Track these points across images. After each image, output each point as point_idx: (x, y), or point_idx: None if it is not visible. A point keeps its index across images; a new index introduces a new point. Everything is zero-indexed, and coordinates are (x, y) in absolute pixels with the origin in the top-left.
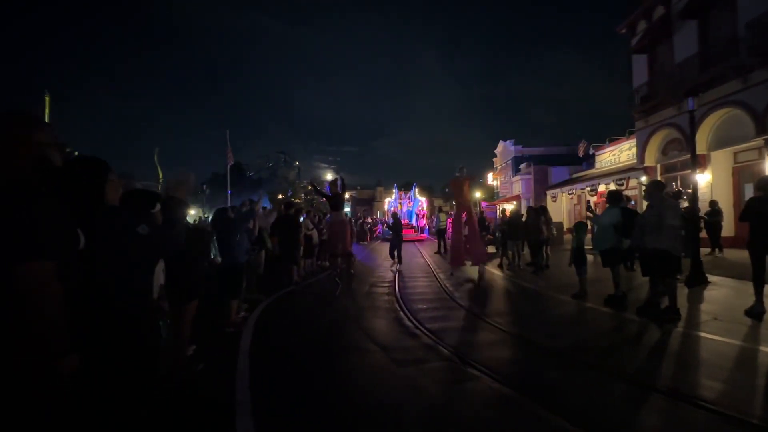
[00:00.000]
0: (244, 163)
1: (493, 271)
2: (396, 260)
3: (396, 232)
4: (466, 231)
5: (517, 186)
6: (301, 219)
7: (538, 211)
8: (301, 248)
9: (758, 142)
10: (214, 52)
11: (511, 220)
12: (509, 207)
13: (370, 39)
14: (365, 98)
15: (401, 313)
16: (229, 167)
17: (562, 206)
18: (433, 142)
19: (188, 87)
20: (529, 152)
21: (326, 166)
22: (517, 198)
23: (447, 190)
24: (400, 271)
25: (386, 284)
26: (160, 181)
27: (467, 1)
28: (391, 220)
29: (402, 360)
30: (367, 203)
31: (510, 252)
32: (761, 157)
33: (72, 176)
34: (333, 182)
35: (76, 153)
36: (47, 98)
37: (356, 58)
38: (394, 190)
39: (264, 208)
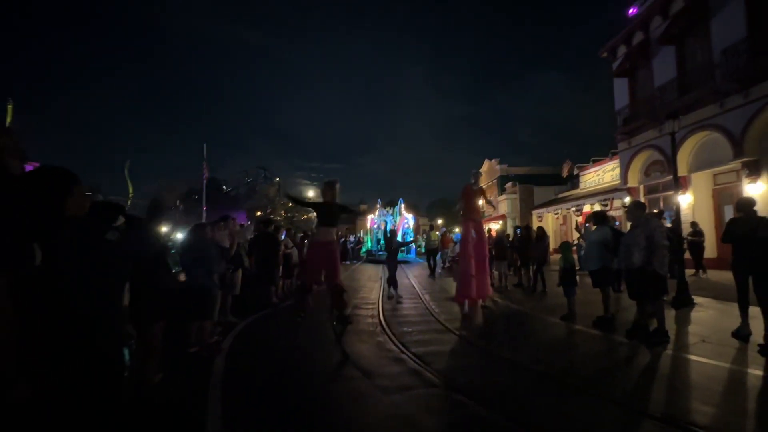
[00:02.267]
0: (222, 179)
1: None
2: (393, 288)
3: (392, 252)
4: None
5: (503, 205)
6: (282, 237)
7: (542, 233)
8: (280, 268)
9: (736, 164)
10: (194, 64)
11: (498, 241)
12: (495, 226)
13: (356, 55)
14: (350, 114)
15: (386, 337)
16: (205, 182)
17: (548, 226)
18: (419, 159)
19: (165, 99)
20: (515, 171)
21: (308, 182)
22: (503, 217)
23: (457, 206)
24: (384, 293)
25: (370, 306)
26: (130, 195)
27: (454, 20)
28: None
29: (387, 387)
30: (350, 221)
31: (497, 273)
32: (739, 179)
33: (30, 186)
34: (328, 185)
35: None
36: (10, 106)
37: (341, 73)
38: (377, 206)
39: (241, 225)
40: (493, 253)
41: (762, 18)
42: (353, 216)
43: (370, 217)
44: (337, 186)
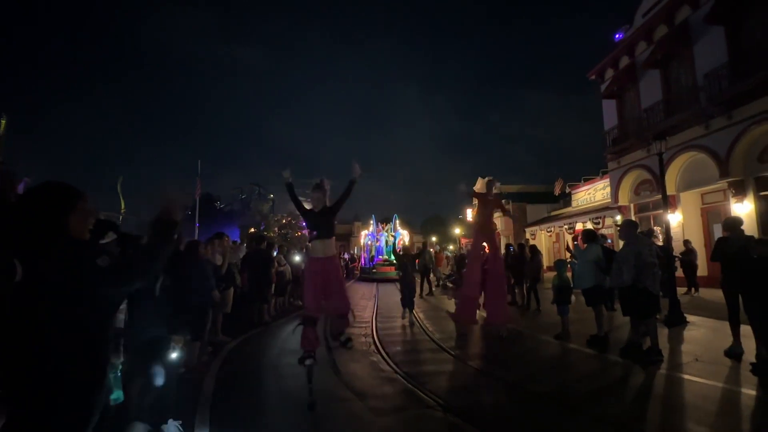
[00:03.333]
0: (215, 195)
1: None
2: (407, 309)
3: (407, 272)
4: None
5: (497, 223)
6: (274, 254)
7: (531, 248)
8: (273, 285)
9: (722, 184)
10: (190, 81)
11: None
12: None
13: (352, 74)
14: (345, 132)
15: (379, 356)
16: (197, 198)
17: (541, 244)
18: (412, 177)
19: (160, 116)
20: (508, 189)
21: (303, 198)
22: (497, 235)
23: (467, 214)
24: (377, 312)
25: (363, 325)
26: (122, 211)
27: (448, 42)
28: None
29: (380, 408)
30: (344, 238)
31: None
32: (726, 198)
33: (28, 200)
34: (315, 188)
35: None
36: (3, 122)
37: (337, 91)
38: (371, 221)
39: (234, 242)
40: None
41: (741, 44)
42: (347, 195)
43: (363, 233)
44: (327, 186)
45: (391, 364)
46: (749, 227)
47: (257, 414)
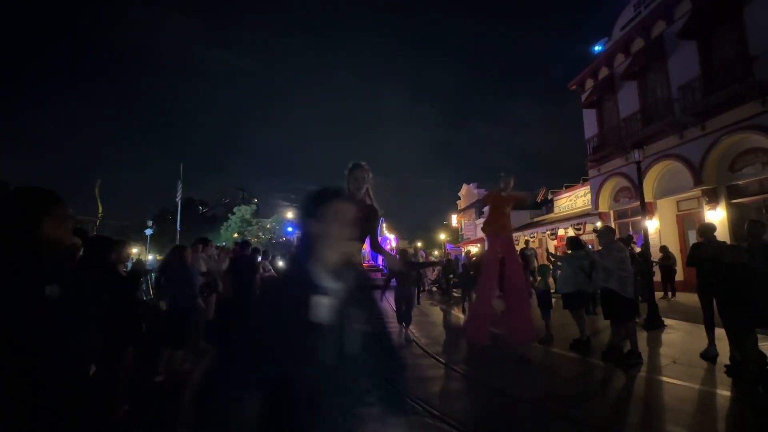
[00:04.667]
0: (198, 199)
1: (459, 315)
2: (403, 325)
3: (404, 281)
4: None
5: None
6: (258, 259)
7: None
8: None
9: (696, 192)
10: (173, 84)
11: (478, 263)
12: (474, 249)
13: (337, 79)
14: (331, 137)
15: None
16: (179, 202)
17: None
18: (398, 183)
19: (142, 118)
20: None
21: (287, 204)
22: (481, 240)
23: (482, 211)
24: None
25: None
26: (100, 215)
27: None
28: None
29: (366, 414)
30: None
31: (476, 295)
32: (700, 205)
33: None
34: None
35: None
36: None
37: (322, 96)
38: None
39: (219, 246)
40: (472, 275)
41: (712, 59)
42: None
43: None
44: (368, 175)
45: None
46: (721, 234)
47: (241, 424)
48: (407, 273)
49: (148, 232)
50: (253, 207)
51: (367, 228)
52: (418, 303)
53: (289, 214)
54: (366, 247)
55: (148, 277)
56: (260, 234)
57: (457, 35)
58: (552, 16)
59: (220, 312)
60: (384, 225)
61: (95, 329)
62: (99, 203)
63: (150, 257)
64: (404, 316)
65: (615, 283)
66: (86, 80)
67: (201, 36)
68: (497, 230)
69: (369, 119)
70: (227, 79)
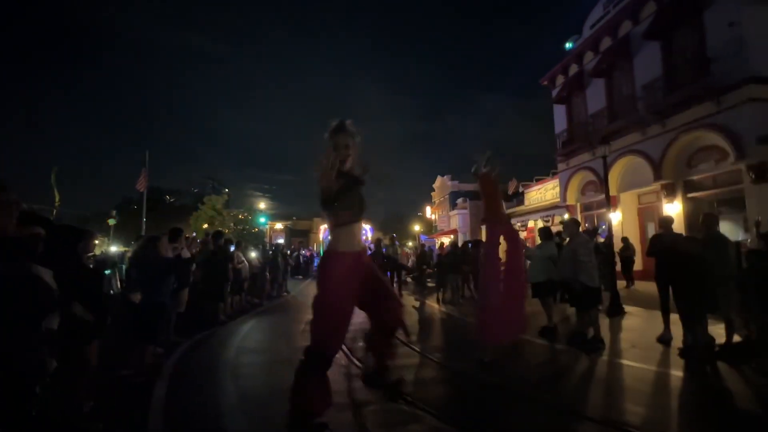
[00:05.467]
0: (165, 188)
1: (433, 305)
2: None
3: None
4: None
5: (455, 220)
6: (231, 250)
7: (477, 244)
8: (229, 283)
9: (656, 186)
10: (139, 67)
11: (451, 254)
12: (447, 240)
13: (312, 68)
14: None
15: (341, 353)
16: (145, 192)
17: None
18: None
19: (104, 102)
20: (465, 188)
21: (260, 194)
22: (454, 232)
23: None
24: None
25: None
26: (56, 204)
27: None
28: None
29: (342, 404)
30: (303, 235)
31: (450, 285)
32: (659, 199)
33: None
34: (342, 129)
35: None
36: None
37: (297, 85)
38: None
39: (187, 238)
40: (447, 266)
41: (674, 59)
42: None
43: (323, 227)
44: (355, 131)
45: (353, 359)
46: (678, 226)
47: (215, 416)
48: (379, 261)
49: (112, 222)
50: (225, 197)
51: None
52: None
53: (262, 205)
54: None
55: (117, 269)
56: (232, 224)
57: (433, 29)
58: (527, 12)
59: (192, 304)
60: None
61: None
62: (55, 191)
63: (113, 249)
64: None
65: (580, 273)
66: (42, 61)
67: (172, 18)
68: (497, 215)
69: (344, 110)
70: (198, 65)
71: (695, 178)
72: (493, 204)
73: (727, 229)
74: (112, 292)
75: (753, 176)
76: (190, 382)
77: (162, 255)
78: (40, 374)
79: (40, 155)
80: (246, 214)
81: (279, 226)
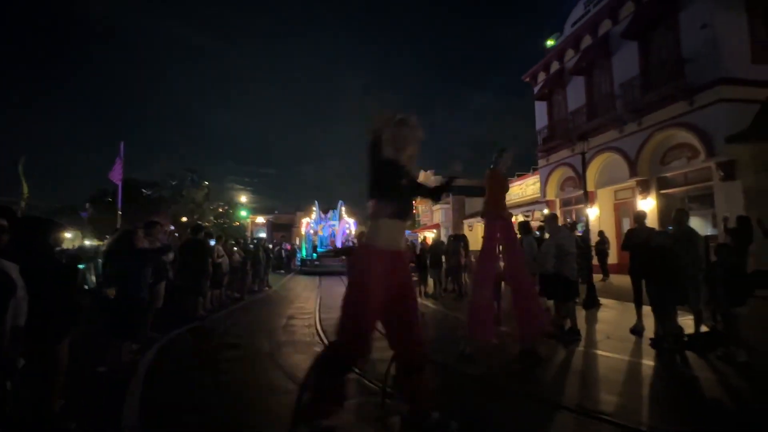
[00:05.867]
0: (142, 181)
1: (416, 299)
2: None
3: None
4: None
5: (437, 215)
6: (211, 243)
7: (458, 239)
8: (209, 278)
9: (632, 183)
10: (116, 56)
11: (434, 248)
12: (430, 235)
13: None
14: (288, 120)
15: (323, 346)
16: (121, 183)
17: (478, 235)
18: (358, 168)
19: (78, 91)
20: None
21: (241, 187)
22: (437, 226)
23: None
24: (321, 303)
25: (306, 316)
26: (24, 196)
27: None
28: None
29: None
30: (286, 229)
31: (432, 279)
32: (634, 195)
33: None
34: (404, 123)
35: None
36: None
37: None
38: (314, 209)
39: (167, 231)
40: (429, 260)
41: (650, 59)
42: (439, 192)
43: (305, 221)
44: (418, 126)
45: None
46: (651, 221)
47: (193, 413)
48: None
49: (84, 215)
50: (205, 190)
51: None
52: None
53: (243, 198)
54: (323, 232)
55: (92, 264)
56: (212, 218)
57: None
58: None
59: (170, 299)
60: (343, 209)
61: None
62: (23, 182)
63: (87, 242)
64: None
65: (564, 267)
66: (11, 47)
67: (151, 5)
68: (498, 211)
69: (329, 102)
70: (178, 54)
71: (668, 175)
72: (496, 199)
73: (697, 224)
74: (86, 287)
75: (722, 174)
76: (167, 379)
77: (137, 249)
78: (7, 371)
79: (7, 144)
80: (226, 207)
81: (260, 219)
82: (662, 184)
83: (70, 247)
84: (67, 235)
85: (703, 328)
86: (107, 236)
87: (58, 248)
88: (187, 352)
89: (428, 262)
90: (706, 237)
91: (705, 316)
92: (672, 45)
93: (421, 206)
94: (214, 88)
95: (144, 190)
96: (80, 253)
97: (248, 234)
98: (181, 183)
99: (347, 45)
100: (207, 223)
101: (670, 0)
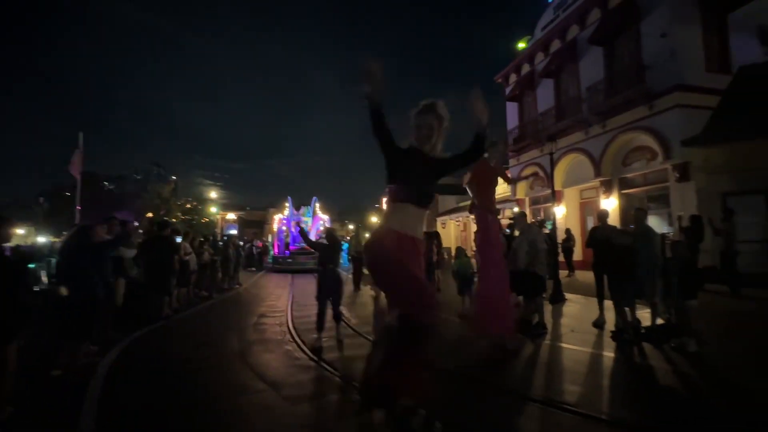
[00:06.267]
0: (103, 174)
1: None
2: (336, 321)
3: (326, 262)
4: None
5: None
6: (178, 240)
7: (431, 236)
8: (175, 276)
9: (596, 182)
10: (75, 40)
11: None
12: None
13: (268, 55)
14: (260, 115)
15: (295, 345)
16: (80, 177)
17: (450, 232)
18: (330, 165)
19: (32, 76)
20: None
21: (211, 183)
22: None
23: (466, 186)
24: (293, 300)
25: (278, 314)
26: None
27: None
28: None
29: (295, 397)
30: (257, 225)
31: None
32: (598, 194)
33: None
34: (428, 109)
35: None
36: None
37: (251, 71)
38: (287, 205)
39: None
40: None
41: (614, 64)
42: (472, 156)
43: (277, 217)
44: (444, 113)
45: (307, 351)
46: (614, 219)
47: (157, 415)
48: (333, 247)
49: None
50: (171, 185)
51: (434, 181)
52: (357, 289)
53: (213, 194)
54: (296, 228)
55: (45, 262)
56: (179, 214)
57: (394, 21)
58: (486, 10)
59: (134, 298)
60: (317, 205)
61: None
62: None
63: (41, 239)
64: (334, 312)
65: (536, 263)
66: None
67: None
68: (488, 204)
69: (302, 97)
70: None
71: (629, 175)
72: (487, 192)
73: (655, 223)
74: (37, 288)
75: (677, 176)
76: (129, 382)
77: (93, 246)
78: None
79: None
80: (195, 203)
81: (231, 216)
82: (624, 184)
83: (23, 243)
84: (19, 231)
85: (659, 321)
86: (64, 232)
87: (6, 244)
88: (151, 353)
89: None
90: (663, 235)
91: (661, 309)
92: (634, 52)
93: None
94: (183, 79)
95: (106, 184)
96: (33, 251)
97: (218, 231)
98: (147, 177)
99: (322, 40)
100: (174, 219)
101: (632, 9)
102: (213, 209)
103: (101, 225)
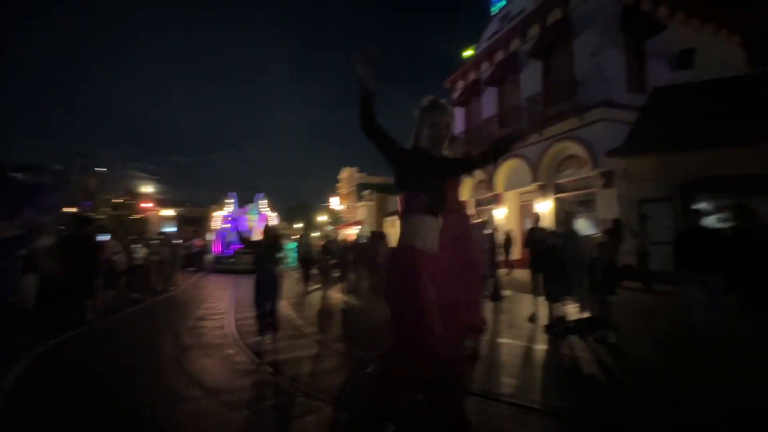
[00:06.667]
0: (11, 163)
1: (337, 295)
2: (272, 329)
3: (264, 262)
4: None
5: (361, 212)
6: (105, 239)
7: (378, 236)
8: (100, 276)
9: (534, 186)
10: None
11: (356, 245)
12: (353, 231)
13: (217, 44)
14: (206, 107)
15: (236, 348)
16: None
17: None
18: (279, 162)
19: None
20: (372, 180)
21: (146, 176)
22: (360, 223)
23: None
24: (236, 302)
25: (218, 316)
26: None
27: (317, 28)
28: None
29: (235, 402)
30: (197, 223)
31: (354, 275)
32: (535, 198)
33: None
34: (436, 107)
35: None
36: None
37: (196, 59)
38: (232, 201)
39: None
40: (352, 257)
41: (551, 78)
42: (490, 157)
43: (218, 214)
44: (452, 113)
45: (249, 355)
46: (550, 221)
47: (76, 430)
48: (273, 246)
49: None
50: (99, 177)
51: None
52: (306, 289)
53: (147, 188)
54: (240, 226)
55: None
56: (108, 209)
57: (349, 18)
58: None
59: (44, 297)
60: (266, 202)
61: None
62: None
63: None
64: (270, 319)
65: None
66: None
67: None
68: (453, 205)
69: (251, 92)
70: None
71: (563, 181)
72: (452, 192)
73: (583, 225)
74: None
75: (603, 182)
76: (37, 396)
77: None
78: None
79: None
80: (126, 198)
81: (169, 212)
82: (558, 189)
83: None
84: None
85: (584, 315)
86: None
87: None
88: (70, 363)
89: (352, 259)
90: (588, 236)
91: (587, 303)
92: (568, 67)
93: (346, 202)
94: (111, 59)
95: (15, 174)
96: None
97: (152, 228)
98: (68, 168)
99: (277, 33)
100: (101, 215)
101: (566, 27)
102: (149, 204)
103: (5, 221)
